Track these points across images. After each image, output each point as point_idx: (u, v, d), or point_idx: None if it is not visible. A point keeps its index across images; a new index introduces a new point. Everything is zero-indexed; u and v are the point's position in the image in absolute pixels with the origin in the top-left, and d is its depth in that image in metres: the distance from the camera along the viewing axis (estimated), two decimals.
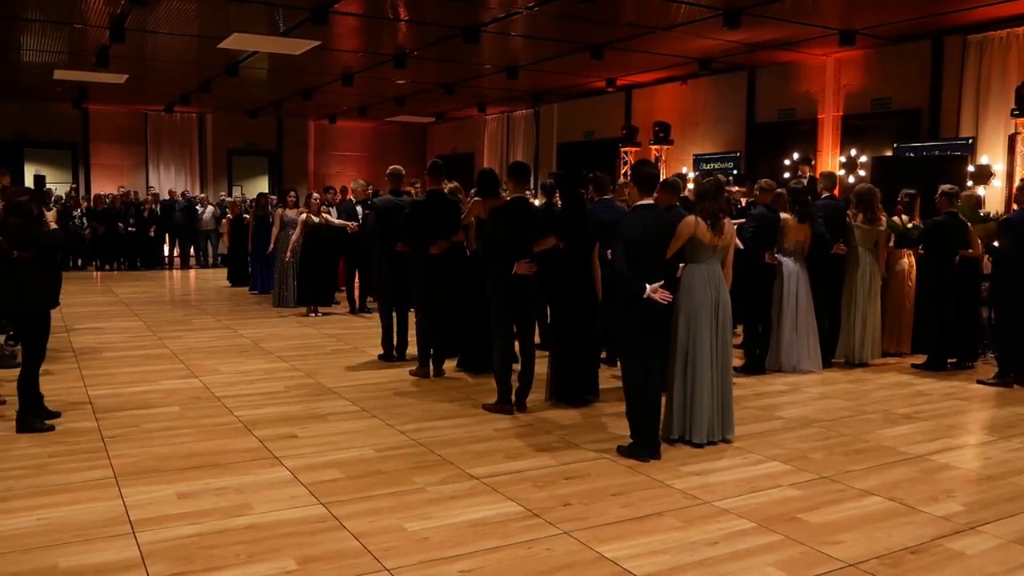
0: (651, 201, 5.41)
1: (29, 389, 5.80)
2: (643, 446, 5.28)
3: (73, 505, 4.38)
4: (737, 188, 11.78)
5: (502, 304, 6.35)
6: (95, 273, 17.84)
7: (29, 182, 18.53)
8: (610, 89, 17.03)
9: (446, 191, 8.31)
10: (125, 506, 4.37)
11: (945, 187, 8.18)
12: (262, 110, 21.60)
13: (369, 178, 15.59)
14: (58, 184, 19.71)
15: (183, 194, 20.07)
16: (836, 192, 8.86)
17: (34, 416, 5.77)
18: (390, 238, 8.07)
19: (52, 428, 5.75)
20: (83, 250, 17.87)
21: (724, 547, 3.97)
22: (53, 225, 6.18)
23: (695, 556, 3.86)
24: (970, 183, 10.39)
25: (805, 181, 9.72)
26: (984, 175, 10.71)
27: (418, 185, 12.38)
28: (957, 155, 11.16)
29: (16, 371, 6.93)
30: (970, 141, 11.39)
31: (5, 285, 5.74)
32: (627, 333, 5.34)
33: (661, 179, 6.09)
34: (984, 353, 8.67)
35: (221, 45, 12.86)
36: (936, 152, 11.53)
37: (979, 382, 7.66)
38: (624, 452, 5.32)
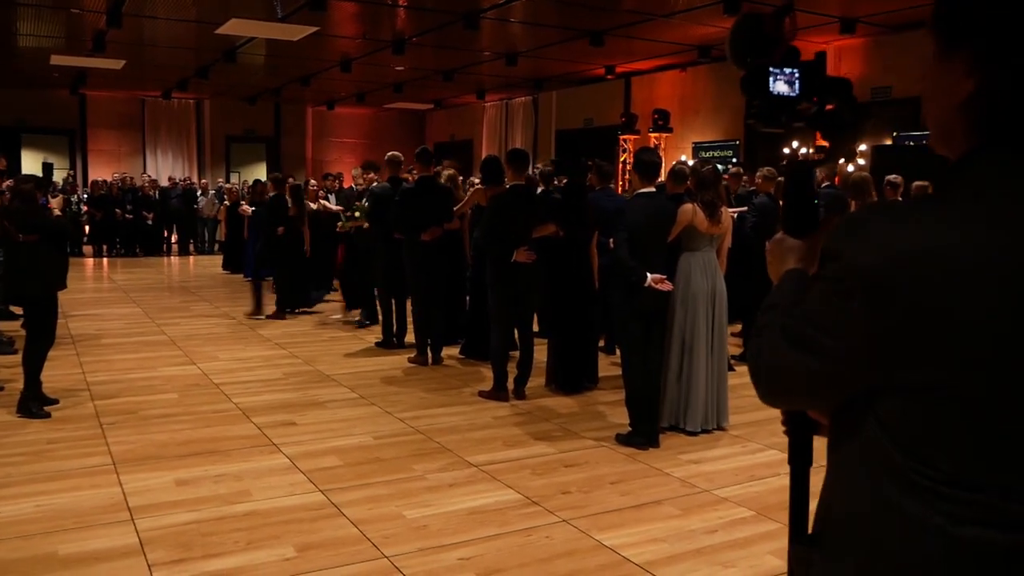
0: (652, 189, 5.40)
1: (36, 371, 5.82)
2: (642, 434, 5.28)
3: (72, 492, 4.38)
4: (746, 177, 11.75)
5: (501, 291, 6.35)
6: (93, 259, 17.80)
7: (27, 168, 18.50)
8: (609, 76, 16.97)
9: (444, 177, 8.29)
10: (124, 493, 4.37)
11: (919, 182, 8.27)
12: (260, 96, 21.53)
13: None
14: (56, 170, 19.66)
15: (179, 181, 19.98)
16: (836, 181, 8.84)
17: (34, 401, 5.78)
18: (388, 225, 8.05)
19: (49, 415, 5.74)
20: (75, 235, 17.81)
21: (723, 535, 3.98)
22: (57, 212, 6.26)
23: (694, 544, 3.87)
24: None
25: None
26: None
27: (415, 172, 12.32)
28: None
29: (12, 357, 6.97)
30: None
31: (14, 269, 5.81)
32: (628, 322, 5.33)
33: (663, 167, 6.07)
34: None
35: (219, 31, 12.81)
36: None
37: None
38: (623, 440, 5.33)
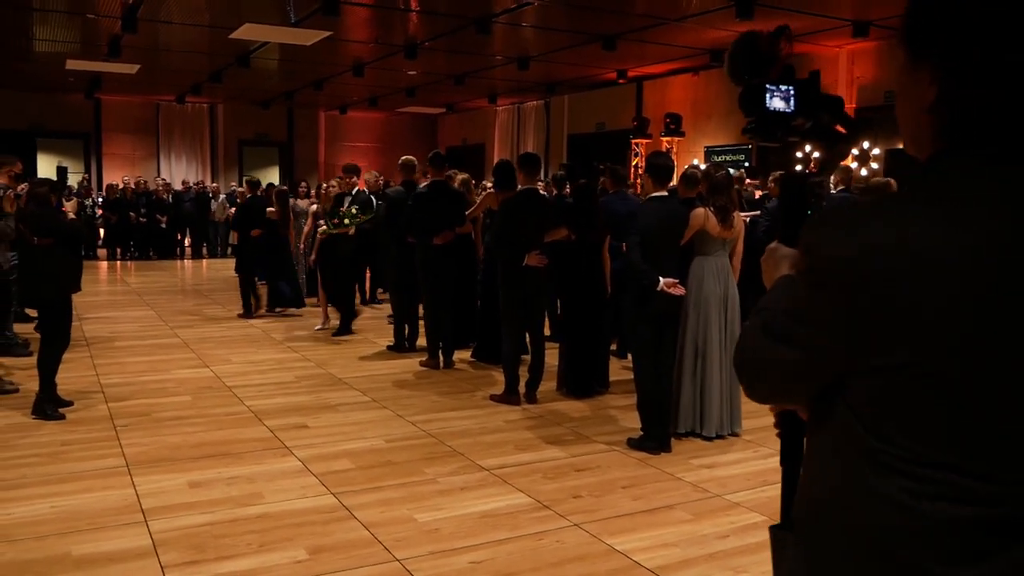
0: (665, 193, 5.40)
1: (51, 373, 5.85)
2: (654, 439, 5.27)
3: (86, 493, 4.41)
4: (749, 180, 11.74)
5: (512, 295, 6.35)
6: (107, 263, 17.89)
7: (42, 171, 18.65)
8: (621, 81, 16.97)
9: (457, 182, 8.31)
10: (137, 495, 4.39)
11: None
12: (273, 101, 21.62)
13: (379, 169, 15.60)
14: (71, 174, 19.80)
15: (192, 185, 20.06)
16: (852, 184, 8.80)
17: (49, 403, 5.81)
18: (401, 229, 8.07)
19: (63, 417, 5.78)
20: (90, 239, 17.90)
21: (735, 540, 3.96)
22: (72, 216, 6.31)
23: (705, 549, 3.86)
24: None
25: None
26: None
27: (427, 176, 12.35)
28: None
29: (27, 360, 7.01)
30: None
31: (29, 272, 5.84)
32: (639, 326, 5.32)
33: (676, 171, 6.07)
34: None
35: (232, 35, 12.88)
36: None
37: None
38: (634, 445, 5.32)
